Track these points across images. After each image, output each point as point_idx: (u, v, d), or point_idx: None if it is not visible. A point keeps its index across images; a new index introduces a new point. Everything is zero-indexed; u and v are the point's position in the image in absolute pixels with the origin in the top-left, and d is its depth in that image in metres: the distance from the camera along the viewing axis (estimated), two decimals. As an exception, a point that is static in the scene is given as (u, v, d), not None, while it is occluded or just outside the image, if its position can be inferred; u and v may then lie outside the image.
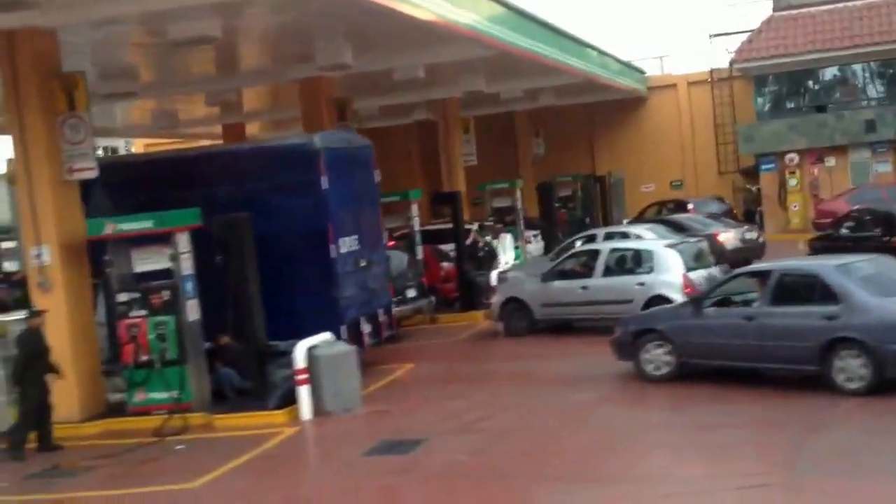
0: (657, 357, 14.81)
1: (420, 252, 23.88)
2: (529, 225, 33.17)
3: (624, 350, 15.18)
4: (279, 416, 14.68)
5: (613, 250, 20.20)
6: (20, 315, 15.65)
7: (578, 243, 24.29)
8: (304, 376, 14.63)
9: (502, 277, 22.88)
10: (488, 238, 27.44)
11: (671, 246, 19.69)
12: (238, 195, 16.55)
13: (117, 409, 15.64)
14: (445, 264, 25.22)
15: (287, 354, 15.01)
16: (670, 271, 18.79)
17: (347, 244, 17.26)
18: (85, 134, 15.52)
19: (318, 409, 14.63)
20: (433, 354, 19.18)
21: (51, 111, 15.38)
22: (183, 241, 15.25)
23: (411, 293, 22.20)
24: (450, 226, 25.69)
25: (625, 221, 37.27)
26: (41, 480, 12.98)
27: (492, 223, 31.37)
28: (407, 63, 25.53)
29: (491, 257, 27.37)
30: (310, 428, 14.23)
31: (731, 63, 38.82)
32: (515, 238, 31.02)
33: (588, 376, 15.73)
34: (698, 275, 18.84)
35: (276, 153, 17.26)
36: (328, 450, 13.36)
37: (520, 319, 20.37)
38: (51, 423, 14.58)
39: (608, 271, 19.57)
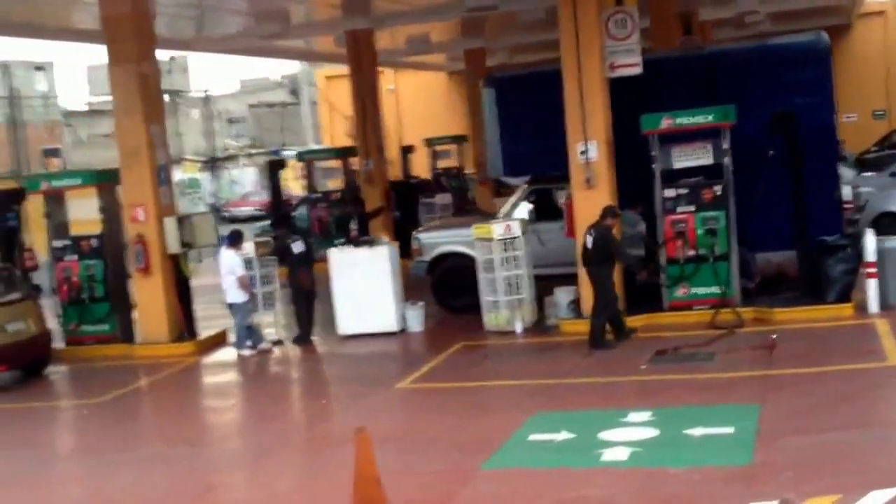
0: None
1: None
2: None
3: None
4: (844, 309, 14.75)
5: None
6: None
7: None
8: (873, 269, 14.68)
9: None
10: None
11: None
12: (744, 93, 16.47)
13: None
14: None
15: (843, 249, 15.08)
16: None
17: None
18: (631, 30, 15.48)
19: (882, 303, 14.67)
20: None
21: (600, 6, 15.36)
22: (727, 137, 15.30)
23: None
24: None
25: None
26: (670, 365, 13.06)
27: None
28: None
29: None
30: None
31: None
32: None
33: None
34: None
35: (788, 51, 17.20)
36: None
37: None
38: (620, 312, 14.81)
39: None
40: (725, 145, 15.26)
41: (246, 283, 16.02)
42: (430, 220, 24.24)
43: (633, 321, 15.37)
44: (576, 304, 15.75)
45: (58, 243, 17.35)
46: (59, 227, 17.63)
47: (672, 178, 15.70)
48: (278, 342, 16.72)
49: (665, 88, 16.75)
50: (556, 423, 11.01)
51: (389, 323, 16.55)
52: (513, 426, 10.90)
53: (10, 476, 11.05)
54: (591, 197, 15.42)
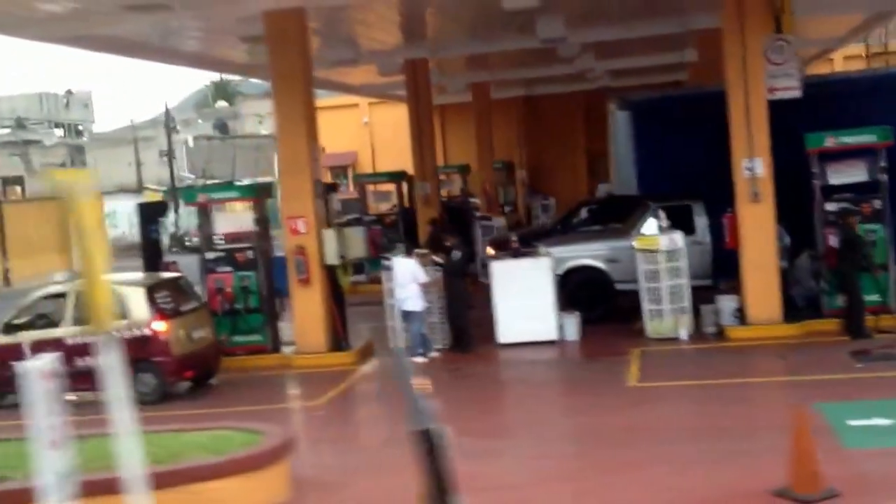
0: None
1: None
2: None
3: None
4: None
5: None
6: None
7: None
8: None
9: None
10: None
11: None
12: (862, 117, 17.70)
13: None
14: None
15: None
16: None
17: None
18: (788, 56, 16.55)
19: None
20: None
21: (763, 33, 16.40)
22: (884, 155, 16.52)
23: None
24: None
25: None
26: (878, 364, 13.95)
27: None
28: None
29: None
30: None
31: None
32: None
33: None
34: None
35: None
36: None
37: None
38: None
39: None
40: (882, 163, 16.46)
41: (428, 289, 16.34)
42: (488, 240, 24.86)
43: (793, 327, 16.34)
44: (740, 311, 16.57)
45: (210, 255, 17.20)
46: (208, 239, 17.50)
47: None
48: (439, 350, 16.99)
49: (790, 113, 17.87)
50: (852, 413, 11.70)
51: (548, 331, 17.01)
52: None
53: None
54: (757, 211, 16.37)
